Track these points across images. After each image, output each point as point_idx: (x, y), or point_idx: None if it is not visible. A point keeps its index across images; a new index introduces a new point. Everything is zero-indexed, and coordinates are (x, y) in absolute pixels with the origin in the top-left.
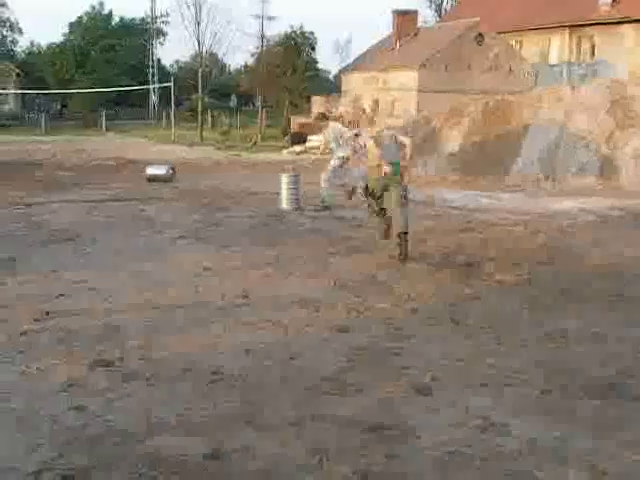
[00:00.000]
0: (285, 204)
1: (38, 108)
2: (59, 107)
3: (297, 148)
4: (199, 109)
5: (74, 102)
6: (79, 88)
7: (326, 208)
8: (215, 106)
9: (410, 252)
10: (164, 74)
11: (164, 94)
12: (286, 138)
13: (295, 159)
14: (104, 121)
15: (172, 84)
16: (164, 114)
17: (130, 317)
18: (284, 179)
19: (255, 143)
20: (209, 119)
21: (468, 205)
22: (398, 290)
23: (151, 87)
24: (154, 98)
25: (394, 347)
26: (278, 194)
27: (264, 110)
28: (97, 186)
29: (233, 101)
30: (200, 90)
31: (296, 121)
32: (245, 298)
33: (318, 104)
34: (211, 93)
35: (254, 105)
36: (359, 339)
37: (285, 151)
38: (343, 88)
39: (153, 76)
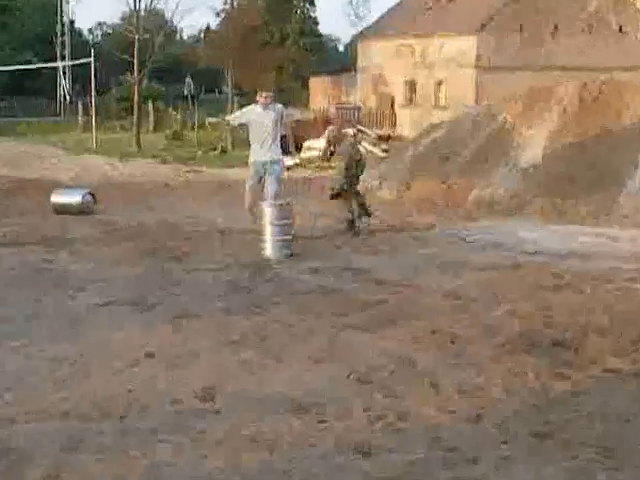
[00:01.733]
0: (272, 249)
1: None
2: None
3: (287, 159)
4: (135, 100)
5: None
6: None
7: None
8: (160, 94)
9: (470, 324)
10: (81, 45)
11: (82, 75)
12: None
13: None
14: None
15: (93, 60)
16: (81, 107)
17: (30, 432)
18: (268, 211)
19: (223, 151)
20: (151, 115)
21: (559, 248)
22: (450, 385)
23: (59, 65)
24: (65, 82)
25: (448, 479)
26: (261, 234)
27: (236, 99)
28: None
29: (189, 86)
30: (136, 69)
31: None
32: (210, 401)
33: (321, 89)
34: (155, 74)
35: (221, 92)
36: (390, 467)
37: (287, 159)
38: (360, 64)
39: (64, 48)
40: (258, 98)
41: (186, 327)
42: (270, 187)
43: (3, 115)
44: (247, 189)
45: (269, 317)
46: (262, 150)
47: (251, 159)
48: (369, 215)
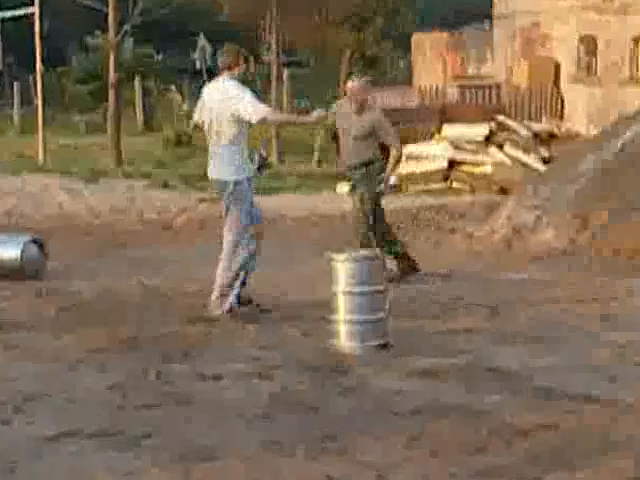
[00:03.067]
0: (350, 337)
1: None
2: None
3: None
4: (111, 76)
5: None
6: None
7: None
8: (154, 67)
9: None
10: None
11: (19, 38)
12: None
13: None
14: None
15: (37, 9)
16: (17, 90)
17: None
18: (341, 268)
19: (266, 164)
20: (139, 102)
21: None
22: None
23: None
24: None
25: None
26: (330, 310)
27: (285, 72)
28: None
29: (203, 51)
30: (111, 24)
31: None
32: None
33: (432, 54)
34: (145, 32)
35: (258, 60)
36: None
37: (342, 185)
38: (498, 9)
39: None
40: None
41: (201, 478)
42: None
43: None
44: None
45: (353, 459)
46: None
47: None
48: (415, 269)
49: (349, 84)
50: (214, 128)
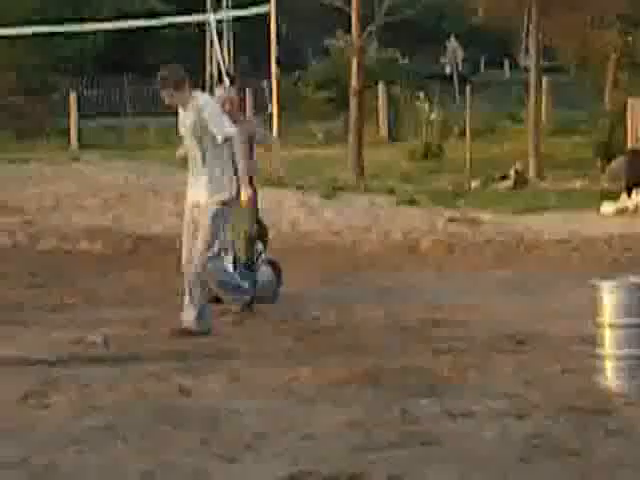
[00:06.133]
0: (615, 372)
1: None
2: None
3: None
4: (353, 82)
5: None
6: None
7: None
8: (399, 72)
9: None
10: None
11: (249, 41)
12: (609, 167)
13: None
14: (75, 119)
15: (273, 7)
16: (249, 95)
17: None
18: (607, 297)
19: (520, 182)
20: (383, 110)
21: None
22: None
23: (211, 18)
24: (219, 51)
25: None
26: (594, 344)
27: (544, 79)
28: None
29: (453, 55)
30: (354, 25)
31: None
32: None
33: None
34: (390, 34)
35: (514, 66)
36: None
37: (607, 205)
38: None
39: None
40: None
41: None
42: None
43: (94, 111)
44: None
45: None
46: None
47: None
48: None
49: None
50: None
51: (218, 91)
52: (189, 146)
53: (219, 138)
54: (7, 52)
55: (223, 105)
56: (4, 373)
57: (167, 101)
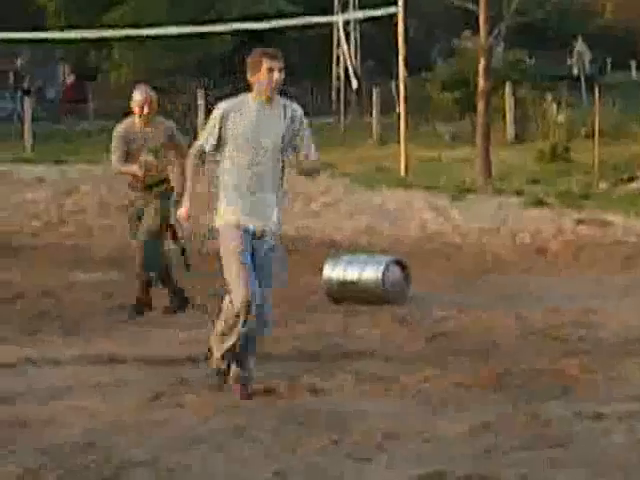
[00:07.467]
0: None
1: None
2: (72, 78)
3: None
4: (481, 83)
5: (114, 67)
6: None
7: None
8: (526, 73)
9: None
10: None
11: (372, 42)
12: None
13: None
14: (202, 120)
15: (402, 7)
16: (376, 99)
17: None
18: None
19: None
20: (509, 112)
21: None
22: None
23: (338, 19)
24: (347, 55)
25: None
26: None
27: None
28: None
29: (580, 58)
30: (483, 28)
31: None
32: None
33: None
34: (516, 34)
35: None
36: None
37: None
38: None
39: None
40: None
41: None
42: None
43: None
44: None
45: None
46: None
47: None
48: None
49: None
50: None
51: None
52: (251, 157)
53: (313, 156)
54: (142, 55)
55: None
56: (136, 373)
57: (276, 76)
